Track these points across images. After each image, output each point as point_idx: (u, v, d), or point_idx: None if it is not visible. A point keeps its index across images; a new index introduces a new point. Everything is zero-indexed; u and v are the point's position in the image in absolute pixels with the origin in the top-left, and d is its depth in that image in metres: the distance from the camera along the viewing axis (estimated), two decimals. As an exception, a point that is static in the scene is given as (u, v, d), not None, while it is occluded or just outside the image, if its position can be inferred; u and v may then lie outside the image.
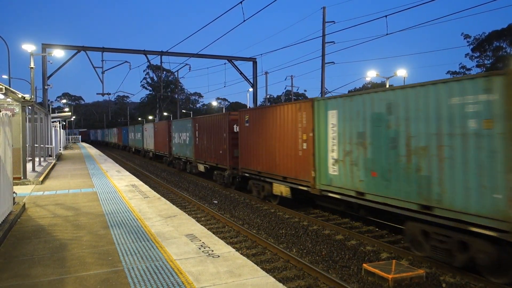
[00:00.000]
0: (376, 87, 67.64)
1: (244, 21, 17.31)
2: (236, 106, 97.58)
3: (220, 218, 13.26)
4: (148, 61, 32.83)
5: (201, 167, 22.97)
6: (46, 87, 29.07)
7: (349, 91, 70.19)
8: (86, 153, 36.93)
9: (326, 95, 27.58)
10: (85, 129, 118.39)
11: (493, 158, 6.99)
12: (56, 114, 42.09)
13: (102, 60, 30.71)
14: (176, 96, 75.54)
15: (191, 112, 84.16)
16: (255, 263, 6.36)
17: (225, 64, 35.77)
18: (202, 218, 13.47)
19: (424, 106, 8.28)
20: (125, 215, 9.31)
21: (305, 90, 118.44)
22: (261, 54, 36.50)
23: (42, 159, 22.99)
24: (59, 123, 42.64)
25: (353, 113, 10.38)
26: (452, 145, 7.68)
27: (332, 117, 11.23)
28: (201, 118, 23.41)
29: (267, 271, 8.06)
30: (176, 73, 74.99)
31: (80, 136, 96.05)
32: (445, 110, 7.79)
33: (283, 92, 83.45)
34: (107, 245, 6.96)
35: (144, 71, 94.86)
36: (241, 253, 7.72)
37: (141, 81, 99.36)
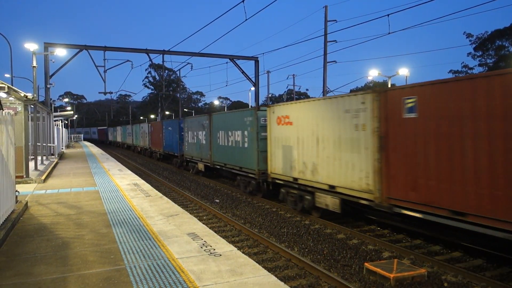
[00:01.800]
0: (378, 86, 67.57)
1: (246, 20, 17.32)
2: (239, 105, 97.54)
3: (222, 217, 13.27)
4: (150, 60, 32.84)
5: None
6: (48, 86, 29.11)
7: (350, 90, 70.18)
8: (89, 152, 37.00)
9: (328, 94, 27.57)
10: (104, 127, 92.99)
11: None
12: (58, 113, 42.19)
13: (104, 59, 30.72)
14: (178, 95, 75.64)
15: (193, 111, 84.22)
16: (256, 262, 6.37)
17: (227, 63, 35.75)
18: (204, 217, 13.49)
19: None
20: (127, 214, 9.33)
21: (307, 89, 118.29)
22: (263, 53, 36.47)
23: (44, 157, 23.05)
24: (61, 122, 42.73)
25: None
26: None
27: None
28: None
29: (269, 270, 8.06)
30: (178, 72, 75.12)
31: (82, 135, 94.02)
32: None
33: (285, 91, 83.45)
34: (109, 243, 6.98)
35: (146, 70, 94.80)
36: (243, 252, 7.73)
37: (143, 80, 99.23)
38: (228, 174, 20.32)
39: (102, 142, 79.34)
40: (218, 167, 20.24)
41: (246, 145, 16.76)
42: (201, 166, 22.98)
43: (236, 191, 18.35)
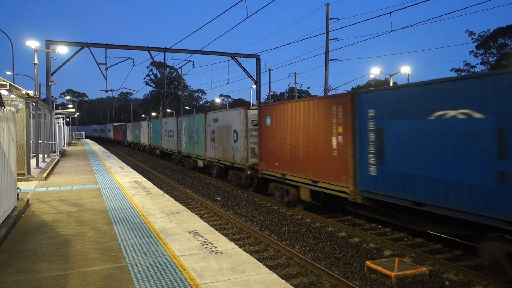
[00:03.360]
0: (380, 84, 67.42)
1: (247, 17, 17.29)
2: (240, 103, 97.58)
3: (223, 215, 13.27)
4: (152, 57, 32.82)
5: None
6: (49, 83, 29.13)
7: (352, 89, 70.06)
8: (90, 149, 37.04)
9: (329, 93, 27.55)
10: (122, 123, 66.57)
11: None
12: (59, 111, 42.27)
13: (106, 57, 30.73)
14: (180, 93, 75.63)
15: (195, 109, 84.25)
16: (258, 260, 6.37)
17: (228, 61, 35.75)
18: (205, 215, 13.49)
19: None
20: (128, 212, 9.33)
21: (308, 87, 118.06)
22: (265, 51, 36.56)
23: (46, 155, 23.08)
24: (63, 120, 42.79)
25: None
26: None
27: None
28: None
29: (270, 267, 8.06)
30: (179, 70, 75.10)
31: (82, 133, 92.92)
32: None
33: (286, 89, 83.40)
34: (110, 241, 6.98)
35: (147, 67, 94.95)
36: (244, 250, 7.74)
37: (144, 78, 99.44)
38: None
39: (119, 143, 62.97)
40: None
41: None
42: None
43: (237, 189, 18.32)
